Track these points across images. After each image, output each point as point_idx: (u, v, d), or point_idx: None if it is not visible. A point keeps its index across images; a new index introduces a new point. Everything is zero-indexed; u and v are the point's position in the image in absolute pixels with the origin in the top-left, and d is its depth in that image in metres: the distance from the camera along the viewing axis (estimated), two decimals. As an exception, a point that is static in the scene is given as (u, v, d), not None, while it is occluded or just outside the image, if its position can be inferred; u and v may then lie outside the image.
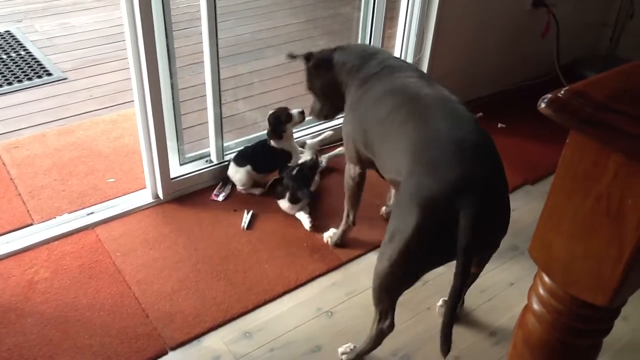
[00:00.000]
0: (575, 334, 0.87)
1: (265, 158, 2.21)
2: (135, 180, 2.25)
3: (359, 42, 2.52)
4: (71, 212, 2.08)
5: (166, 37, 1.91)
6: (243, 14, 3.72)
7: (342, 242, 1.99)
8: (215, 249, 1.96)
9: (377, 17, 2.42)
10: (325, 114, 1.96)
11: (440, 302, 1.79)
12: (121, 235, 1.99)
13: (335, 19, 3.82)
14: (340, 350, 1.63)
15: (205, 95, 2.18)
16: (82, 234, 1.99)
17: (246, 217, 2.09)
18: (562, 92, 0.72)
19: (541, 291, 0.88)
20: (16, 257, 1.89)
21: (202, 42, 2.03)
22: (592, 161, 0.73)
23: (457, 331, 1.74)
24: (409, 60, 2.58)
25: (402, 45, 2.56)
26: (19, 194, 2.16)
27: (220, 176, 2.26)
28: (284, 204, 2.11)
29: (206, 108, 2.20)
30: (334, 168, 2.35)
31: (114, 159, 2.38)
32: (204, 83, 2.14)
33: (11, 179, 2.24)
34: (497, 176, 1.36)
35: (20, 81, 2.92)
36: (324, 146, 2.45)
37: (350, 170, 1.82)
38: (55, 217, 2.06)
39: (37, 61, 3.11)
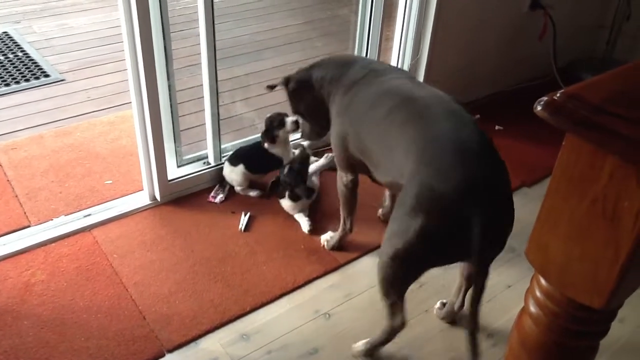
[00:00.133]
0: (571, 336, 0.87)
1: (259, 159, 2.20)
2: (133, 182, 2.24)
3: (357, 43, 2.52)
4: (68, 214, 2.08)
5: (164, 38, 1.91)
6: (241, 16, 3.72)
7: (339, 246, 1.99)
8: (212, 251, 1.96)
9: (375, 18, 2.42)
10: (317, 133, 1.96)
11: (438, 305, 1.79)
12: (118, 237, 1.99)
13: (333, 21, 3.82)
14: (354, 346, 1.65)
15: (202, 97, 2.18)
16: (79, 236, 1.98)
17: (244, 219, 2.09)
18: (558, 94, 0.72)
19: (538, 293, 0.88)
20: (13, 259, 1.88)
21: (199, 44, 2.03)
22: (588, 163, 0.73)
23: (455, 333, 1.74)
24: (407, 61, 2.59)
25: (400, 47, 2.57)
26: (16, 196, 2.15)
27: (217, 178, 2.26)
28: (285, 203, 2.11)
29: (204, 110, 2.20)
30: (334, 168, 2.35)
31: (111, 160, 2.38)
32: (202, 85, 2.14)
33: (8, 180, 2.23)
34: (502, 176, 1.37)
35: (17, 82, 2.92)
36: (322, 147, 2.45)
37: (343, 177, 1.82)
38: (52, 219, 2.05)
39: (35, 62, 3.10)
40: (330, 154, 2.38)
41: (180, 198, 2.18)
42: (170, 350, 1.63)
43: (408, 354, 1.66)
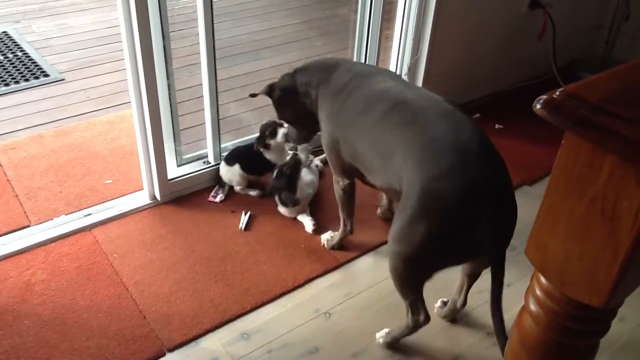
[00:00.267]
0: (571, 334, 0.87)
1: (254, 160, 2.19)
2: (133, 181, 2.24)
3: (356, 43, 2.52)
4: (68, 214, 2.08)
5: (163, 38, 1.91)
6: (240, 15, 3.72)
7: (339, 246, 1.99)
8: (212, 251, 1.96)
9: (374, 18, 2.42)
10: (304, 137, 1.96)
11: (439, 303, 1.79)
12: (118, 236, 1.99)
13: (331, 20, 3.82)
14: (378, 335, 1.67)
15: (202, 97, 2.18)
16: (79, 236, 1.99)
17: (244, 219, 2.09)
18: (557, 93, 0.72)
19: (538, 292, 0.88)
20: (13, 258, 1.88)
21: (199, 43, 2.03)
22: (587, 163, 0.73)
23: (456, 332, 1.75)
24: (407, 60, 2.59)
25: (399, 46, 2.57)
26: (16, 196, 2.15)
27: (217, 177, 2.26)
28: (281, 208, 2.11)
29: (203, 109, 2.20)
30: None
31: (111, 160, 2.38)
32: (201, 84, 2.14)
33: (8, 180, 2.23)
34: (503, 174, 1.38)
35: (17, 82, 2.92)
36: (319, 147, 2.44)
37: (339, 182, 1.82)
38: (52, 219, 2.05)
39: (34, 62, 3.10)
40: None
41: (180, 197, 2.18)
42: (171, 350, 1.64)
43: (409, 352, 1.66)
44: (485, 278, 1.84)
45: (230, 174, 2.19)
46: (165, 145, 2.08)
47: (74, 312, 1.72)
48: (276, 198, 2.09)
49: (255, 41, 3.41)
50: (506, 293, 1.91)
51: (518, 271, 1.94)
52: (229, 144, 2.34)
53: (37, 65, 3.07)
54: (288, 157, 2.11)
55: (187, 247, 1.97)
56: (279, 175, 2.06)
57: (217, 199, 2.18)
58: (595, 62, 3.19)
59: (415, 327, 1.58)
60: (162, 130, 2.02)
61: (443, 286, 1.85)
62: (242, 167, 2.17)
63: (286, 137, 2.10)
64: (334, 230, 2.01)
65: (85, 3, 3.82)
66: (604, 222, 0.73)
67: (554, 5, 2.81)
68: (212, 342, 1.67)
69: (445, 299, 1.78)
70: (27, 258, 1.89)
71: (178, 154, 2.20)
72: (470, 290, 1.71)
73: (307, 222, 2.07)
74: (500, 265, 1.36)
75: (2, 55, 3.16)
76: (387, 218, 2.10)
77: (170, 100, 2.05)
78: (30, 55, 3.17)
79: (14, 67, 3.05)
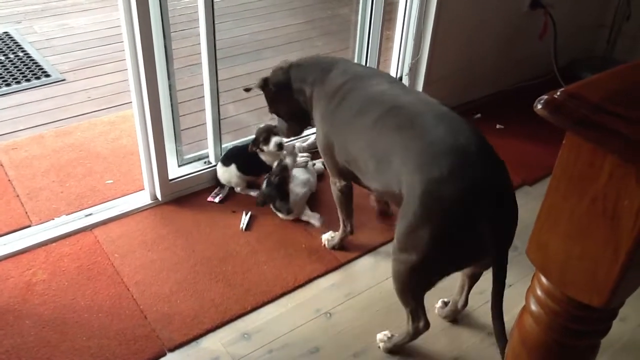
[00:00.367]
0: (572, 335, 0.87)
1: (250, 160, 2.18)
2: (134, 181, 2.25)
3: (357, 43, 2.52)
4: (69, 214, 2.08)
5: (164, 38, 1.91)
6: (241, 15, 3.72)
7: (340, 246, 1.99)
8: (213, 251, 1.96)
9: (375, 18, 2.42)
10: (294, 132, 1.96)
11: (439, 303, 1.79)
12: (119, 236, 1.99)
13: (333, 20, 3.82)
14: (379, 337, 1.67)
15: (203, 97, 2.18)
16: (80, 236, 1.99)
17: (244, 219, 2.09)
18: (558, 93, 0.72)
19: (538, 292, 0.88)
20: (14, 258, 1.88)
21: (200, 44, 2.03)
22: (587, 162, 0.73)
23: (457, 332, 1.74)
24: (408, 61, 2.59)
25: (400, 47, 2.57)
26: (17, 196, 2.16)
27: (217, 178, 2.26)
28: (278, 214, 2.10)
29: (204, 109, 2.20)
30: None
31: (112, 160, 2.38)
32: (202, 84, 2.14)
33: (9, 180, 2.24)
34: (503, 174, 1.38)
35: (18, 82, 2.92)
36: (312, 149, 2.43)
37: (336, 183, 1.82)
38: (53, 219, 2.06)
39: (36, 62, 3.10)
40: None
41: (181, 197, 2.19)
42: (172, 350, 1.64)
43: (410, 353, 1.66)
44: (486, 278, 1.84)
45: (228, 174, 2.19)
46: (166, 145, 2.08)
47: (75, 312, 1.72)
48: (271, 206, 2.09)
49: (257, 41, 3.41)
50: (507, 293, 1.90)
51: (519, 271, 1.94)
52: (229, 144, 2.34)
53: (39, 66, 3.07)
54: (275, 165, 2.11)
55: (187, 247, 1.97)
56: (268, 184, 2.05)
57: (217, 199, 2.19)
58: (596, 62, 3.18)
59: (415, 334, 1.59)
60: (163, 131, 2.03)
61: (444, 286, 1.85)
62: (239, 168, 2.17)
63: (278, 147, 2.11)
64: (335, 230, 2.01)
65: (86, 3, 3.82)
66: (604, 222, 0.73)
67: (555, 5, 2.81)
68: (212, 342, 1.67)
69: (446, 299, 1.78)
70: (28, 258, 1.89)
71: (179, 154, 2.20)
72: (472, 291, 1.71)
73: (314, 219, 2.06)
74: (502, 266, 1.36)
75: (4, 55, 3.17)
76: (383, 212, 2.11)
77: (171, 100, 2.05)
78: (32, 55, 3.17)
79: (15, 67, 3.05)
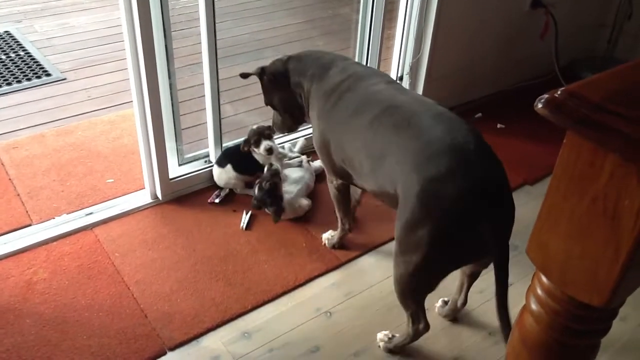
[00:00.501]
0: (572, 334, 0.87)
1: (245, 159, 2.18)
2: (134, 180, 2.25)
3: (358, 42, 2.52)
4: (70, 213, 2.08)
5: (165, 37, 1.91)
6: (242, 15, 3.72)
7: (340, 245, 1.99)
8: (214, 250, 1.96)
9: (376, 17, 2.42)
10: (288, 127, 1.95)
11: (439, 303, 1.79)
12: (120, 235, 1.99)
13: (334, 20, 3.82)
14: (379, 336, 1.67)
15: (204, 96, 2.18)
16: (80, 235, 1.99)
17: (245, 218, 2.09)
18: (559, 92, 0.72)
19: (539, 291, 0.88)
20: (15, 257, 1.89)
21: (200, 43, 2.03)
22: (588, 162, 0.73)
23: (457, 331, 1.74)
24: (409, 60, 2.59)
25: (401, 46, 2.57)
26: (18, 195, 2.16)
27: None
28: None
29: (205, 108, 2.21)
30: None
31: (112, 159, 2.38)
32: (203, 84, 2.14)
33: (10, 179, 2.24)
34: (500, 173, 1.38)
35: (19, 82, 2.92)
36: (307, 150, 2.42)
37: (333, 181, 1.81)
38: (54, 218, 2.06)
39: (36, 62, 3.11)
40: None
41: (182, 197, 2.19)
42: (172, 349, 1.64)
43: (410, 352, 1.66)
44: (486, 278, 1.84)
45: (225, 175, 2.18)
46: (167, 144, 2.08)
47: (76, 311, 1.72)
48: (266, 210, 2.08)
49: (257, 41, 3.41)
50: (508, 292, 1.91)
51: (519, 271, 1.94)
52: (230, 144, 2.34)
53: (39, 65, 3.07)
54: (265, 170, 2.10)
55: (188, 246, 1.97)
56: (260, 189, 2.04)
57: (217, 200, 2.18)
58: (598, 62, 3.18)
59: (415, 335, 1.59)
60: (163, 130, 2.03)
61: (443, 286, 1.85)
62: (235, 168, 2.16)
63: (268, 151, 2.12)
64: (335, 229, 2.01)
65: (87, 2, 3.82)
66: (605, 222, 0.73)
67: (556, 4, 2.80)
68: (213, 341, 1.67)
69: (445, 299, 1.78)
70: (29, 257, 1.89)
71: (179, 153, 2.20)
72: (472, 290, 1.71)
73: (304, 203, 2.08)
74: (502, 266, 1.35)
75: (4, 54, 3.17)
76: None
77: (172, 99, 2.05)
78: (32, 54, 3.17)
79: (16, 66, 3.05)
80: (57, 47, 3.28)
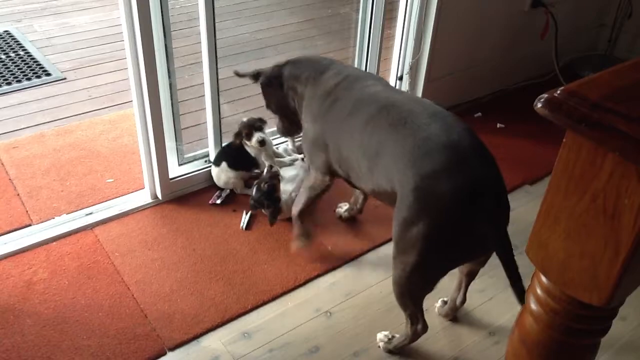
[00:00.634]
0: (572, 333, 0.87)
1: (239, 155, 2.17)
2: (134, 180, 2.25)
3: (358, 42, 2.52)
4: (70, 213, 2.08)
5: (164, 37, 1.91)
6: (242, 14, 3.72)
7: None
8: (213, 250, 1.96)
9: (376, 17, 2.42)
10: (288, 131, 1.95)
11: (439, 303, 1.79)
12: (120, 235, 1.99)
13: (334, 19, 3.82)
14: (379, 336, 1.67)
15: (204, 96, 2.18)
16: (80, 235, 1.99)
17: (245, 218, 2.09)
18: (558, 92, 0.72)
19: (538, 291, 0.88)
20: (14, 257, 1.89)
21: (200, 42, 2.03)
22: (588, 161, 0.73)
23: (457, 331, 1.74)
24: (409, 60, 2.59)
25: (401, 45, 2.57)
26: (18, 194, 2.16)
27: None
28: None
29: (205, 108, 2.20)
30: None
31: (112, 159, 2.38)
32: (203, 83, 2.14)
33: (10, 179, 2.24)
34: (495, 171, 1.38)
35: (19, 81, 2.92)
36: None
37: (318, 179, 1.75)
38: (53, 218, 2.06)
39: (36, 61, 3.10)
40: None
41: (182, 196, 2.18)
42: (172, 349, 1.64)
43: (410, 352, 1.66)
44: (485, 278, 1.84)
45: (223, 174, 2.17)
46: (167, 144, 2.08)
47: (75, 311, 1.72)
48: (263, 211, 2.08)
49: (257, 40, 3.41)
50: (507, 292, 1.90)
51: (520, 270, 1.94)
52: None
53: (39, 64, 3.07)
54: (265, 172, 2.10)
55: (188, 246, 1.97)
56: (258, 190, 2.02)
57: (218, 201, 2.18)
58: (598, 61, 3.18)
59: (414, 336, 1.60)
60: (163, 130, 2.02)
61: (443, 286, 1.85)
62: (229, 165, 2.16)
63: (260, 143, 2.12)
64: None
65: (87, 2, 3.82)
66: (605, 221, 0.73)
67: (556, 4, 2.80)
68: (213, 341, 1.67)
69: (445, 298, 1.78)
70: (29, 257, 1.89)
71: (179, 153, 2.20)
72: (472, 290, 1.71)
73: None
74: (508, 259, 1.33)
75: (4, 54, 3.17)
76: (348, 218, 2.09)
77: (171, 99, 2.05)
78: (32, 54, 3.17)
79: (16, 66, 3.05)
80: (57, 47, 3.28)
